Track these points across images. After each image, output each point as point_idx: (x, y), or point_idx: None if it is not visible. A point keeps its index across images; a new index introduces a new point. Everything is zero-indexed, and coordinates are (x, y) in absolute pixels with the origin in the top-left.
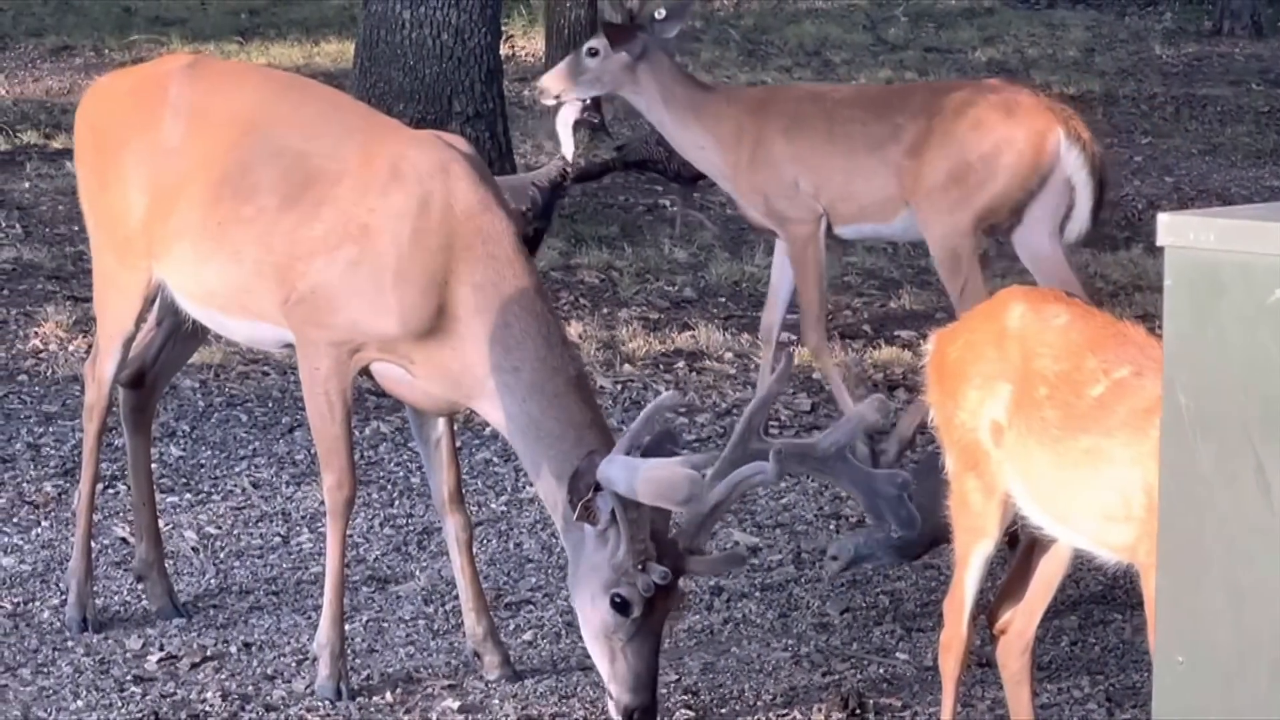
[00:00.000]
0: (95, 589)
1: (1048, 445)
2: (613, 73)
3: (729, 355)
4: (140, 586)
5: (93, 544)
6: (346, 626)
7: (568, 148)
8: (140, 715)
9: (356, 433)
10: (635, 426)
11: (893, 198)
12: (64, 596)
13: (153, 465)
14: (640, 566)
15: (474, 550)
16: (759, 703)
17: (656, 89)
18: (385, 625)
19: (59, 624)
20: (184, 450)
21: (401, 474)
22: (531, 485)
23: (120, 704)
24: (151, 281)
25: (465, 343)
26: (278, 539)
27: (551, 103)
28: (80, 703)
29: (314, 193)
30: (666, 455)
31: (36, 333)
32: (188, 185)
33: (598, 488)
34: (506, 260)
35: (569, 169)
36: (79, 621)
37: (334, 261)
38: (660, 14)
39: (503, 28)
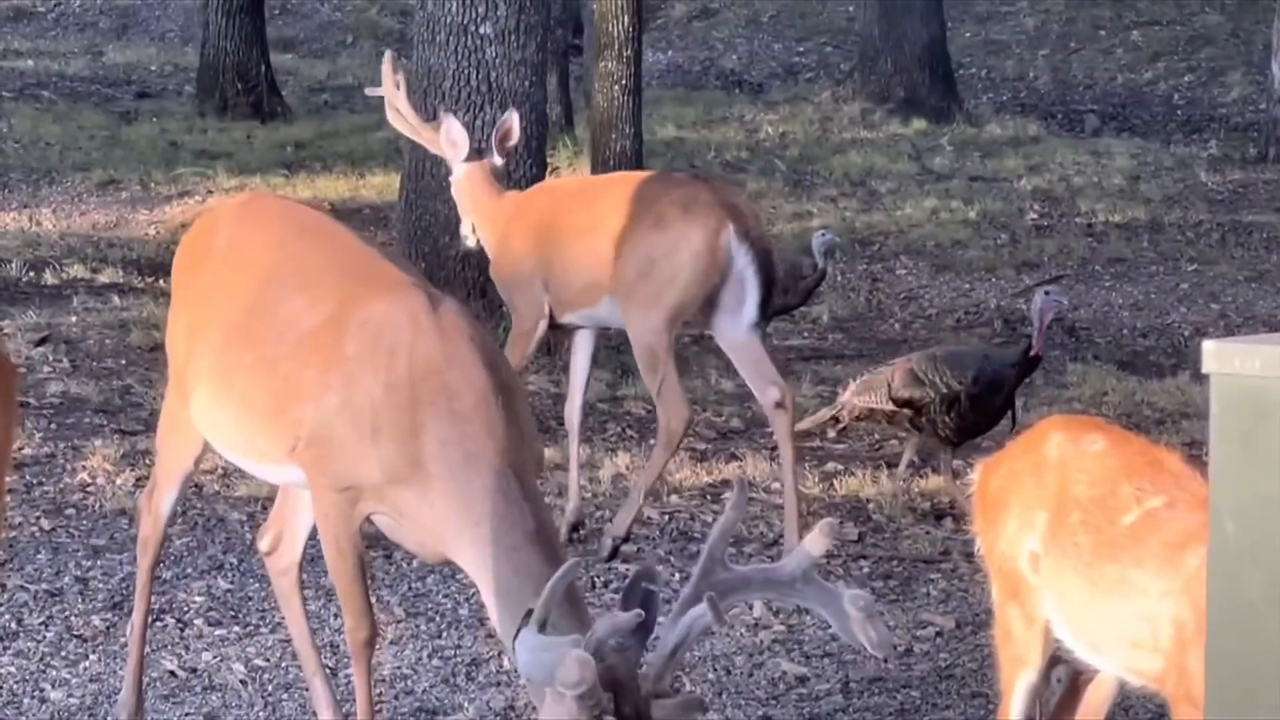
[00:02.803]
0: None
1: (1080, 571)
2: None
3: (776, 486)
4: None
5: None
6: None
7: None
8: None
9: (405, 564)
10: (544, 599)
11: (594, 287)
12: None
13: (199, 599)
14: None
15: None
16: None
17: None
18: None
19: None
20: (232, 583)
21: (450, 605)
22: None
23: None
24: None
25: (436, 495)
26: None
27: None
28: None
29: (305, 341)
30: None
31: (84, 466)
32: (208, 328)
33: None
34: (467, 416)
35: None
36: None
37: (322, 409)
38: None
39: (548, 159)
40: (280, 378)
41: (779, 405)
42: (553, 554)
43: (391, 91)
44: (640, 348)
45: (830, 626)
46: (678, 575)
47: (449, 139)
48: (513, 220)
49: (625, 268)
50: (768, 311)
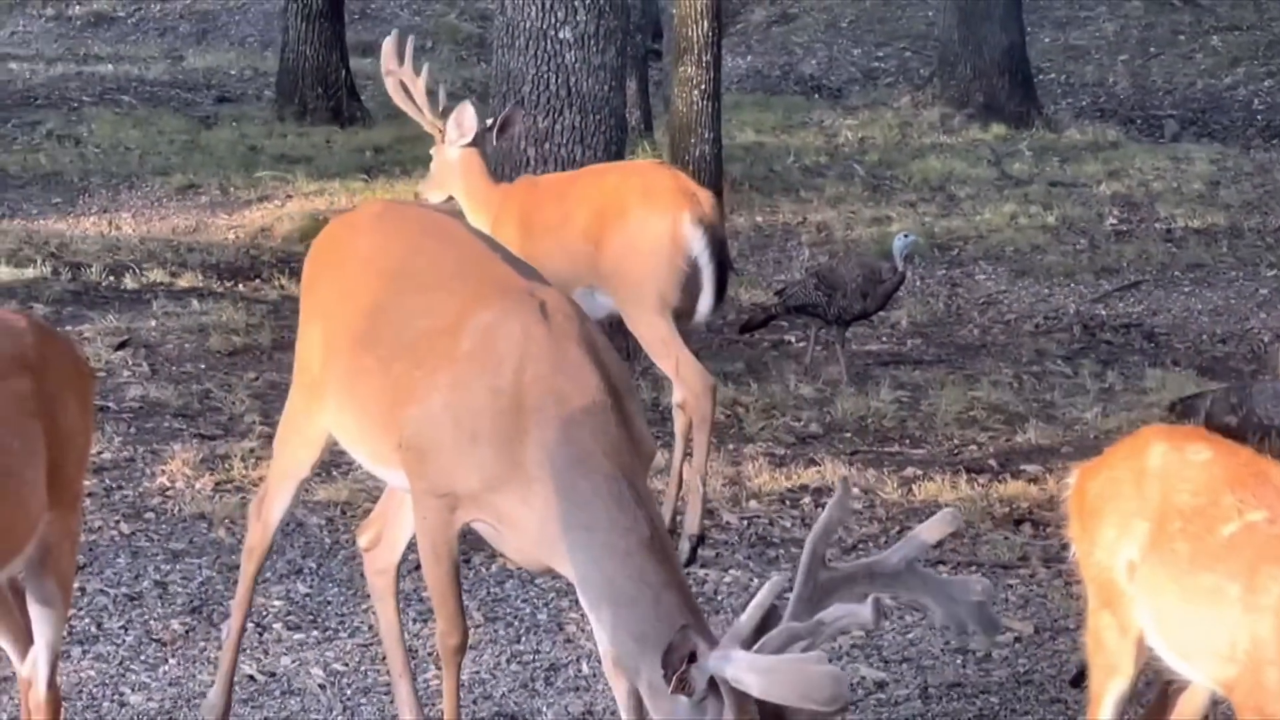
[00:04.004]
0: None
1: (1176, 579)
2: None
3: (854, 490)
4: None
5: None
6: None
7: None
8: None
9: (484, 569)
10: (749, 615)
11: (569, 281)
12: None
13: (278, 603)
14: None
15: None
16: None
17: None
18: None
19: None
20: (311, 588)
21: (528, 610)
22: None
23: None
24: (327, 429)
25: (539, 501)
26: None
27: None
28: None
29: (418, 346)
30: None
31: (163, 470)
32: (339, 333)
33: (692, 658)
34: (576, 421)
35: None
36: None
37: (426, 413)
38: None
39: None
40: (393, 379)
41: (681, 405)
42: (668, 560)
43: (404, 70)
44: (644, 340)
45: (910, 631)
46: (756, 580)
47: (458, 121)
48: (500, 212)
49: (599, 261)
50: (722, 300)
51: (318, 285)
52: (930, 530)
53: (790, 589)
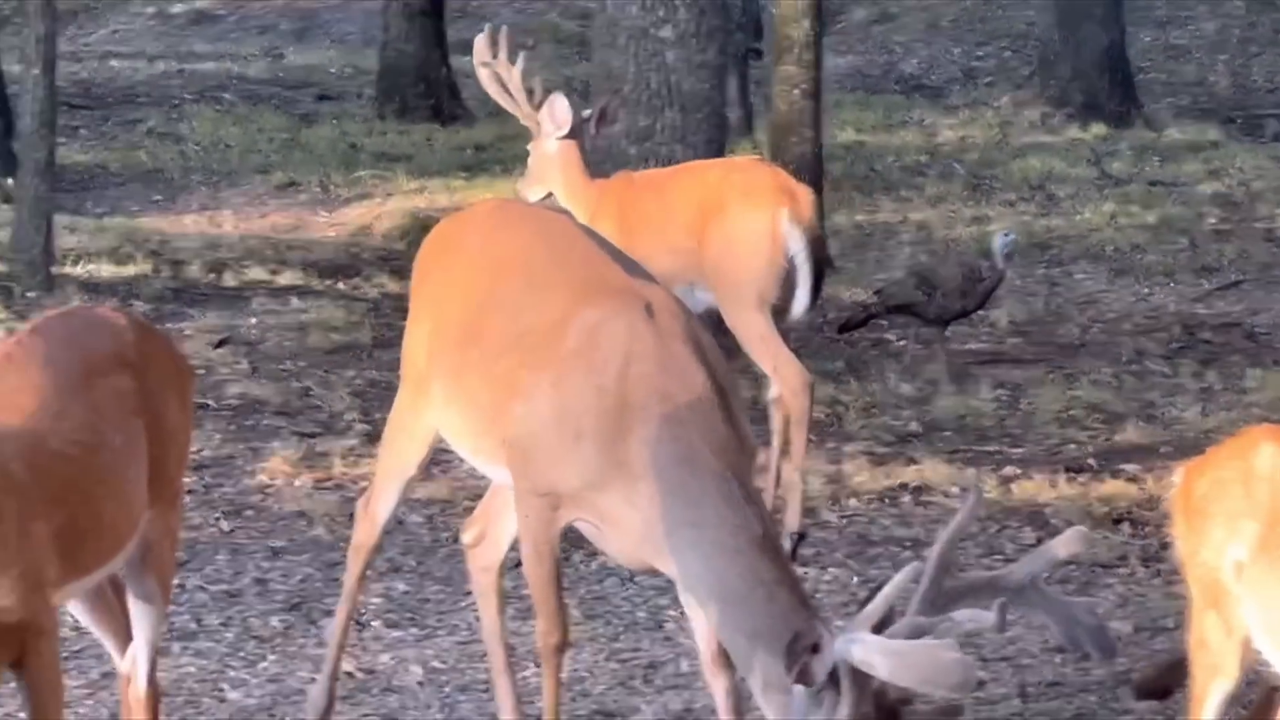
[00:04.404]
0: None
1: None
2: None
3: (954, 490)
4: None
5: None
6: None
7: None
8: None
9: (583, 567)
10: (879, 603)
11: (669, 277)
12: None
13: (377, 600)
14: None
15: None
16: None
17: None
18: None
19: None
20: (410, 585)
21: (627, 608)
22: None
23: None
24: (434, 426)
25: (643, 500)
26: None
27: None
28: None
29: (524, 342)
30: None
31: (263, 468)
32: (448, 329)
33: (814, 650)
34: (682, 420)
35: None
36: None
37: (530, 411)
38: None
39: None
40: (499, 375)
41: (777, 402)
42: (779, 557)
43: (499, 62)
44: (742, 337)
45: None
46: (856, 579)
47: (552, 113)
48: (598, 207)
49: (699, 258)
50: (817, 299)
51: (427, 281)
52: (1059, 547)
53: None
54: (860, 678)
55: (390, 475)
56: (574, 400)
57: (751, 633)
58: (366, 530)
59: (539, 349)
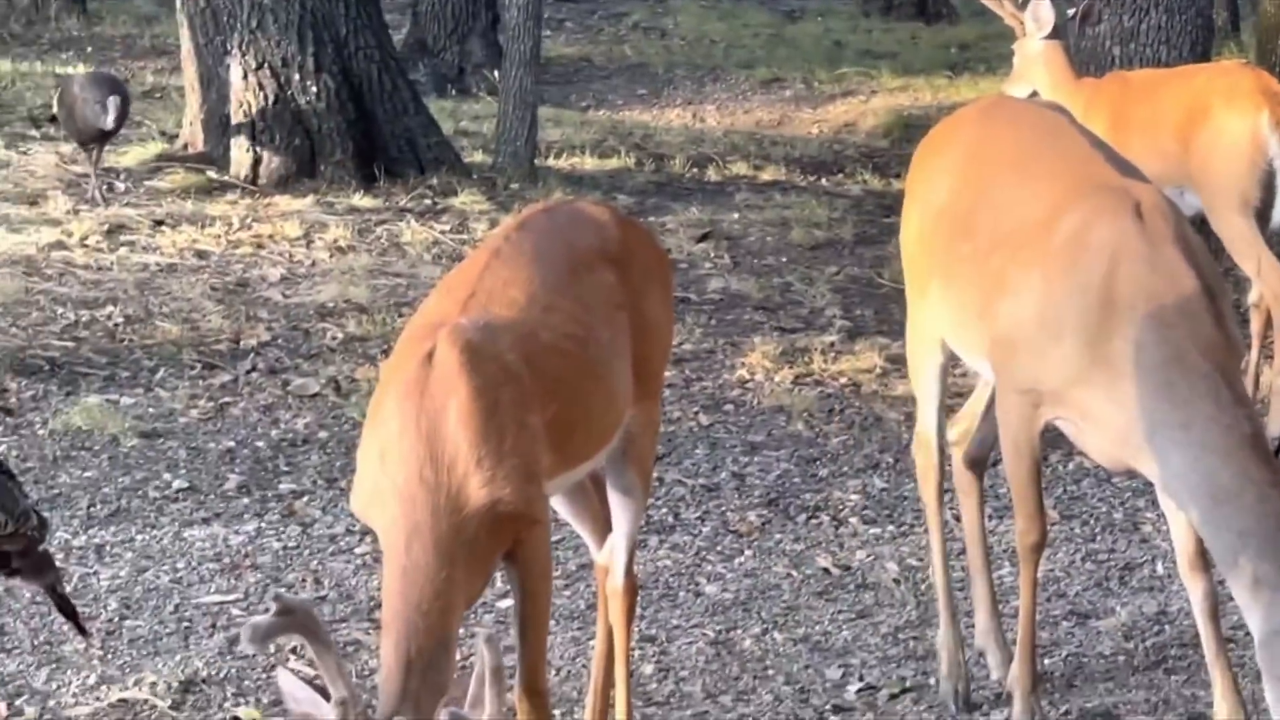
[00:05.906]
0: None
1: None
2: None
3: None
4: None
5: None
6: (1046, 661)
7: None
8: None
9: (1060, 468)
10: None
11: (1159, 180)
12: (765, 625)
13: (855, 497)
14: None
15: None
16: None
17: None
18: (1084, 661)
19: (759, 652)
20: (887, 482)
21: (1104, 509)
22: None
23: None
24: (938, 328)
25: (1127, 399)
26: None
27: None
28: None
29: (1013, 238)
30: None
31: (743, 363)
32: (941, 224)
33: None
34: (1170, 321)
35: None
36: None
37: (1016, 306)
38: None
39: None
40: (989, 271)
41: (1258, 305)
42: (1269, 459)
43: None
44: (1226, 239)
45: None
46: None
47: (1035, 14)
48: (1089, 107)
49: (1187, 162)
50: None
51: (921, 179)
52: None
53: None
54: None
55: (917, 390)
56: (1057, 298)
57: (1241, 531)
58: (924, 456)
59: (1028, 245)
